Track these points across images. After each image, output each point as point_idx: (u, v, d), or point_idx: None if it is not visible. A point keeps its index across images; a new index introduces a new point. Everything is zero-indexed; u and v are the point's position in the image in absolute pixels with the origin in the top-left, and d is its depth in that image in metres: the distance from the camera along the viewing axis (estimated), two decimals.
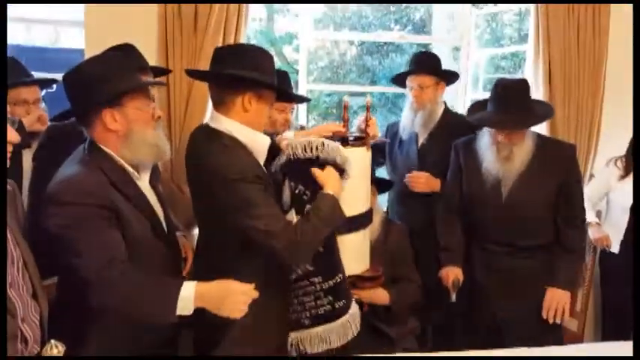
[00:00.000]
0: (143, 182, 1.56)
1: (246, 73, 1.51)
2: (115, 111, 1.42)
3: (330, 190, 1.54)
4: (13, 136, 1.20)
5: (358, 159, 1.70)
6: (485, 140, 2.13)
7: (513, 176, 2.09)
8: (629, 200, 2.57)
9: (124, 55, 1.86)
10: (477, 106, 2.23)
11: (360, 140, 1.78)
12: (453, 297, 2.13)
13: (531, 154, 2.08)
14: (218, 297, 1.35)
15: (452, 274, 2.16)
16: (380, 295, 2.03)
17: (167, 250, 1.58)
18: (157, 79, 2.06)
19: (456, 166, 2.27)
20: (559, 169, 2.09)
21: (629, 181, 2.59)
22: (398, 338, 2.05)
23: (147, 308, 1.35)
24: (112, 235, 1.38)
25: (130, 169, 1.49)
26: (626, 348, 1.61)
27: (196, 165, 1.56)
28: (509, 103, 2.01)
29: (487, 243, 2.19)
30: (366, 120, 1.83)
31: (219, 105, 1.56)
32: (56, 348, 1.05)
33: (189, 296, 1.33)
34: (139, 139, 1.45)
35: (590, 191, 2.72)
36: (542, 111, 2.14)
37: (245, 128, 1.54)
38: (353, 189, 1.68)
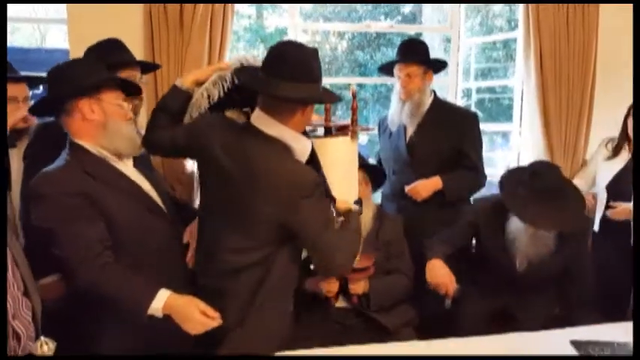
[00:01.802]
0: (126, 166, 1.60)
1: (315, 91, 1.48)
2: (92, 102, 1.50)
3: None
4: None
5: (343, 148, 1.66)
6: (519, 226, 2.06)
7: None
8: (609, 178, 2.61)
9: (108, 50, 1.91)
10: (513, 180, 2.11)
11: (345, 129, 1.73)
12: (449, 304, 2.14)
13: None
14: (183, 314, 1.43)
15: (450, 285, 2.02)
16: (361, 285, 2.02)
17: (170, 228, 1.64)
18: (138, 78, 2.02)
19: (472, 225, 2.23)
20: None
21: (616, 161, 2.63)
22: (395, 330, 2.04)
23: (121, 305, 1.44)
24: (91, 226, 1.43)
25: (108, 155, 1.54)
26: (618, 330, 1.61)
27: (250, 169, 1.48)
28: (549, 197, 1.96)
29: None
30: (352, 108, 1.78)
31: (274, 112, 1.49)
32: (46, 345, 1.04)
33: (157, 307, 1.42)
34: (114, 129, 1.53)
35: (584, 173, 2.77)
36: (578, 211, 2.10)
37: (297, 136, 1.52)
38: (340, 179, 1.65)
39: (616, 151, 2.65)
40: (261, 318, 1.52)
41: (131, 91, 1.68)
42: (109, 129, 1.52)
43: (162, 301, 1.42)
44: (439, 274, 2.01)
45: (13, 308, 1.21)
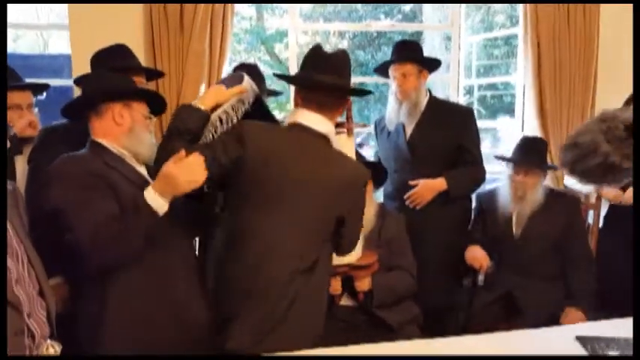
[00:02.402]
0: (142, 169, 1.66)
1: (346, 81, 1.60)
2: (123, 108, 1.62)
3: None
4: None
5: (341, 146, 1.68)
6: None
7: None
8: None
9: (114, 56, 1.99)
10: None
11: (341, 126, 1.76)
12: (482, 279, 2.32)
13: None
14: (172, 174, 1.41)
15: (484, 261, 2.33)
16: (366, 282, 2.02)
17: (182, 230, 1.66)
18: (144, 85, 2.07)
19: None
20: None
21: None
22: (399, 327, 2.04)
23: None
24: (106, 202, 1.46)
25: (129, 155, 1.62)
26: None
27: (312, 167, 1.53)
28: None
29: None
30: (347, 106, 1.79)
31: (322, 109, 1.57)
32: (52, 348, 1.05)
33: (151, 195, 1.42)
34: (139, 135, 1.63)
35: None
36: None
37: (333, 130, 1.62)
38: None
39: None
40: (303, 315, 1.54)
41: (156, 109, 1.76)
42: (134, 133, 1.62)
43: (150, 190, 1.42)
44: (476, 253, 2.35)
45: (28, 307, 1.23)
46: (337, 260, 1.77)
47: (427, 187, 2.38)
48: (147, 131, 1.67)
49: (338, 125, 1.74)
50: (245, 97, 1.65)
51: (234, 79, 1.67)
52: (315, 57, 1.59)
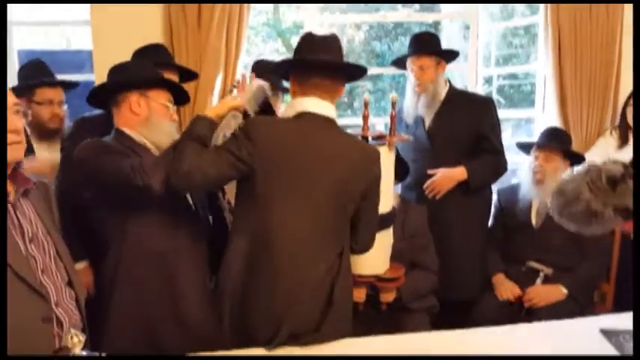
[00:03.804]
0: None
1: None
2: (140, 97, 1.66)
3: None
4: (12, 124, 1.21)
5: (382, 159, 1.64)
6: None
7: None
8: None
9: (150, 52, 2.08)
10: None
11: (382, 139, 1.74)
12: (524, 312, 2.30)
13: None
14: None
15: (514, 290, 2.36)
16: (392, 294, 2.02)
17: (194, 221, 1.70)
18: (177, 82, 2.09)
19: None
20: None
21: (627, 150, 2.61)
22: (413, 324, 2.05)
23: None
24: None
25: (150, 145, 1.66)
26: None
27: (332, 154, 1.53)
28: None
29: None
30: (391, 118, 1.77)
31: (325, 93, 1.57)
32: (76, 337, 1.07)
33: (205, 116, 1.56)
34: (156, 123, 1.66)
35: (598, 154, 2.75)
36: None
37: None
38: None
39: (623, 140, 2.66)
40: (337, 317, 1.52)
41: (178, 98, 1.79)
42: (151, 122, 1.65)
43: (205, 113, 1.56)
44: (506, 288, 2.37)
45: (55, 296, 1.27)
46: (365, 271, 1.76)
47: (446, 176, 2.36)
48: (166, 119, 1.69)
49: (379, 137, 1.73)
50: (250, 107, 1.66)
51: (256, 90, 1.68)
52: (307, 41, 1.59)
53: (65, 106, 2.24)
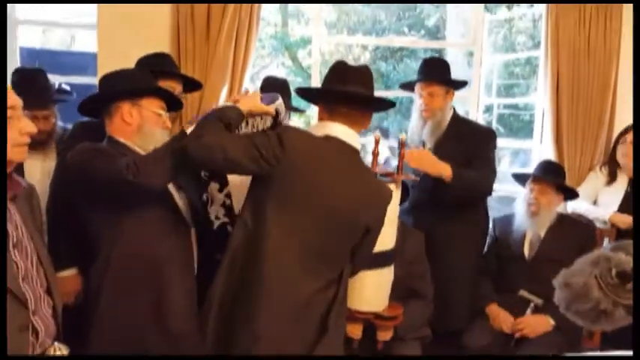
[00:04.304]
0: None
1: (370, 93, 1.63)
2: (132, 107, 1.64)
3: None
4: (27, 126, 1.25)
5: None
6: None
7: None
8: (613, 207, 2.62)
9: (153, 60, 2.05)
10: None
11: (390, 176, 1.74)
12: (514, 342, 2.28)
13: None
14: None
15: (508, 322, 2.33)
16: (389, 333, 1.99)
17: (185, 231, 1.70)
18: (178, 91, 2.08)
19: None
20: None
21: (616, 187, 2.68)
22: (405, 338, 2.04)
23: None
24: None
25: (142, 153, 1.63)
26: None
27: (347, 181, 1.52)
28: None
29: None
30: (400, 157, 1.78)
31: (354, 122, 1.57)
32: (59, 351, 1.05)
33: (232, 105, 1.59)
34: (149, 133, 1.65)
35: (587, 192, 2.78)
36: None
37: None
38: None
39: (612, 177, 2.71)
40: (330, 344, 1.51)
41: (172, 105, 1.78)
42: (143, 132, 1.64)
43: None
44: (500, 319, 2.34)
45: (34, 305, 1.24)
46: (363, 307, 1.75)
47: (429, 159, 2.22)
48: (159, 127, 1.67)
49: (387, 175, 1.73)
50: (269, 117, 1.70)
51: (269, 97, 1.73)
52: (339, 70, 1.60)
53: (54, 120, 2.20)
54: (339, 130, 1.54)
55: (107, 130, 1.67)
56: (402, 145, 1.78)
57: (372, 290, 1.72)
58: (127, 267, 1.57)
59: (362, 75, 1.59)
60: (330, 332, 1.49)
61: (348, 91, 1.54)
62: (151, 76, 1.77)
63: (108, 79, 1.70)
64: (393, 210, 1.71)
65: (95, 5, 2.68)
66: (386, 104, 1.67)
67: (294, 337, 1.47)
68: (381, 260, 1.73)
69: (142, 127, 1.64)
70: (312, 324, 1.49)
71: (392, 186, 1.70)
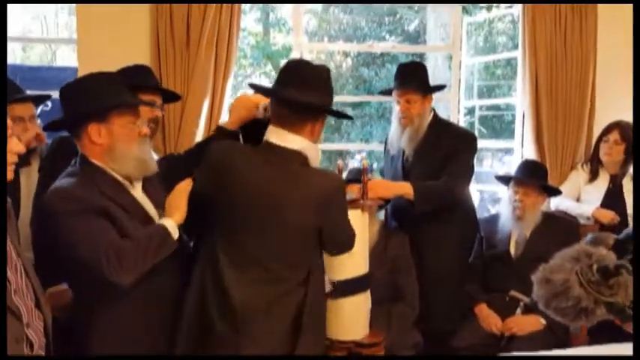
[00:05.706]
0: (136, 191, 1.59)
1: (325, 101, 1.53)
2: (101, 126, 1.48)
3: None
4: (17, 146, 1.24)
5: (354, 222, 1.62)
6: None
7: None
8: (595, 203, 2.67)
9: (131, 74, 1.92)
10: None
11: (355, 202, 1.73)
12: (504, 341, 2.29)
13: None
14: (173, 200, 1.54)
15: (499, 325, 2.33)
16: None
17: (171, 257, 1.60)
18: (147, 100, 2.00)
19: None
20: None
21: (597, 184, 2.73)
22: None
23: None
24: (109, 231, 1.43)
25: (120, 179, 1.53)
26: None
27: (281, 184, 1.48)
28: None
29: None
30: (363, 182, 1.79)
31: (285, 123, 1.50)
32: None
33: (170, 224, 1.50)
34: (122, 153, 1.50)
35: (569, 189, 2.82)
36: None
37: (309, 143, 1.53)
38: (350, 252, 1.65)
39: (594, 174, 2.75)
40: (310, 343, 1.51)
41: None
42: (116, 152, 1.49)
43: (168, 220, 1.50)
44: (489, 320, 2.34)
45: (27, 318, 1.25)
46: (343, 336, 1.74)
47: (386, 185, 2.22)
48: (134, 142, 1.52)
49: (353, 202, 1.72)
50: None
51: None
52: (285, 71, 1.53)
53: (38, 121, 2.14)
54: (274, 135, 1.50)
55: (79, 150, 1.53)
56: (364, 171, 1.79)
57: (350, 319, 1.71)
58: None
59: (309, 76, 1.49)
60: (308, 333, 1.49)
61: (275, 92, 1.50)
62: (118, 85, 1.56)
63: (68, 93, 1.52)
64: (362, 234, 1.69)
65: (74, 20, 2.68)
66: (326, 111, 1.56)
67: (270, 338, 1.49)
68: (357, 285, 1.72)
69: (115, 148, 1.49)
70: (284, 322, 1.49)
71: (357, 211, 1.69)
